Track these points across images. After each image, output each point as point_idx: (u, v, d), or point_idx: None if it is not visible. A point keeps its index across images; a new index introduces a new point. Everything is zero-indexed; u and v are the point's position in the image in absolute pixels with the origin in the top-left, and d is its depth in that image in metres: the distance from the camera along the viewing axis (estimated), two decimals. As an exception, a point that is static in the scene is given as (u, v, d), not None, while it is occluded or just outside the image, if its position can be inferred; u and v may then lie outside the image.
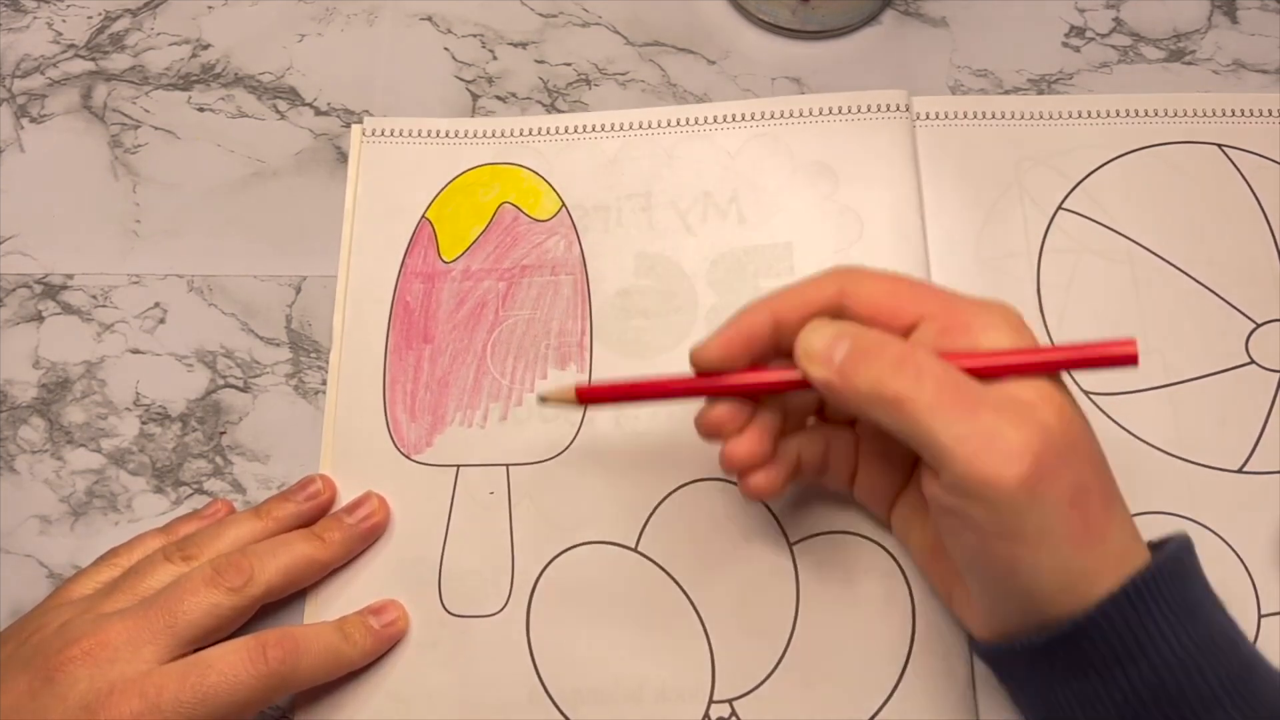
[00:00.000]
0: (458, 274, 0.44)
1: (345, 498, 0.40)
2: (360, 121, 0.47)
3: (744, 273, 0.43)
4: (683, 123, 0.46)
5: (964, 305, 0.32)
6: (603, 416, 0.41)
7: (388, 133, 0.46)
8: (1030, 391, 0.30)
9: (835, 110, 0.45)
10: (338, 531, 0.39)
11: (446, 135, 0.46)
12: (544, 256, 0.44)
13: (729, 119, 0.45)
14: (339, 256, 0.44)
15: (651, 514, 0.40)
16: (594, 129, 0.46)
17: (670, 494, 0.40)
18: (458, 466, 0.41)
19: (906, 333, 0.32)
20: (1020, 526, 0.29)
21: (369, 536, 0.40)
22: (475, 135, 0.46)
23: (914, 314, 0.32)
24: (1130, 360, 0.31)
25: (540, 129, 0.46)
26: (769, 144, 0.45)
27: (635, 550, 0.39)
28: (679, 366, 0.40)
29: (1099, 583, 0.29)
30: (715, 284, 0.43)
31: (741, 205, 0.44)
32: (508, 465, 0.41)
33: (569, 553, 0.40)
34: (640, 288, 0.43)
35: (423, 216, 0.45)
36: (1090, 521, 0.29)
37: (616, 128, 0.46)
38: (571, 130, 0.46)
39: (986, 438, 0.28)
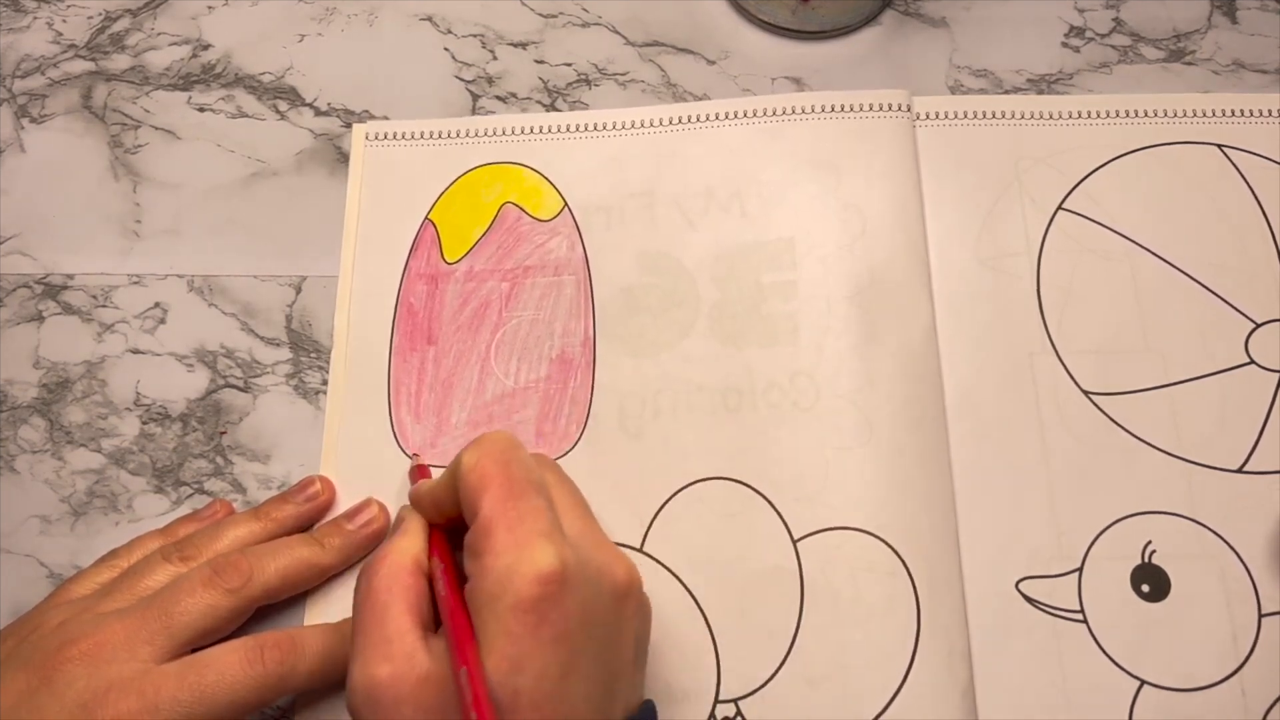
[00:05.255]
0: (461, 275, 0.44)
1: (349, 500, 0.40)
2: (362, 121, 0.47)
3: (746, 267, 0.43)
4: (685, 120, 0.46)
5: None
6: (606, 416, 0.41)
7: (389, 136, 0.46)
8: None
9: (836, 108, 0.45)
10: (337, 537, 0.39)
11: (447, 136, 0.46)
12: (547, 257, 0.44)
13: (731, 116, 0.45)
14: (340, 257, 0.44)
15: (656, 514, 0.40)
16: (596, 128, 0.46)
17: (675, 494, 0.40)
18: None
19: None
20: None
21: (369, 543, 0.39)
22: (476, 135, 0.46)
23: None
24: None
25: (541, 128, 0.46)
26: (770, 140, 0.45)
27: (640, 550, 0.39)
28: (680, 364, 0.42)
29: None
30: (718, 280, 0.43)
31: (744, 200, 0.44)
32: None
33: None
34: (643, 285, 0.43)
35: (426, 218, 0.45)
36: None
37: (618, 126, 0.46)
38: (573, 129, 0.46)
39: (356, 665, 0.31)
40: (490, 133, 0.46)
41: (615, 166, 0.45)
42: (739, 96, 0.47)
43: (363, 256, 0.44)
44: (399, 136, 0.46)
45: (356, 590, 0.33)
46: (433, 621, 0.32)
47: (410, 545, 0.34)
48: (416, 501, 0.36)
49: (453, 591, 0.31)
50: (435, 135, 0.46)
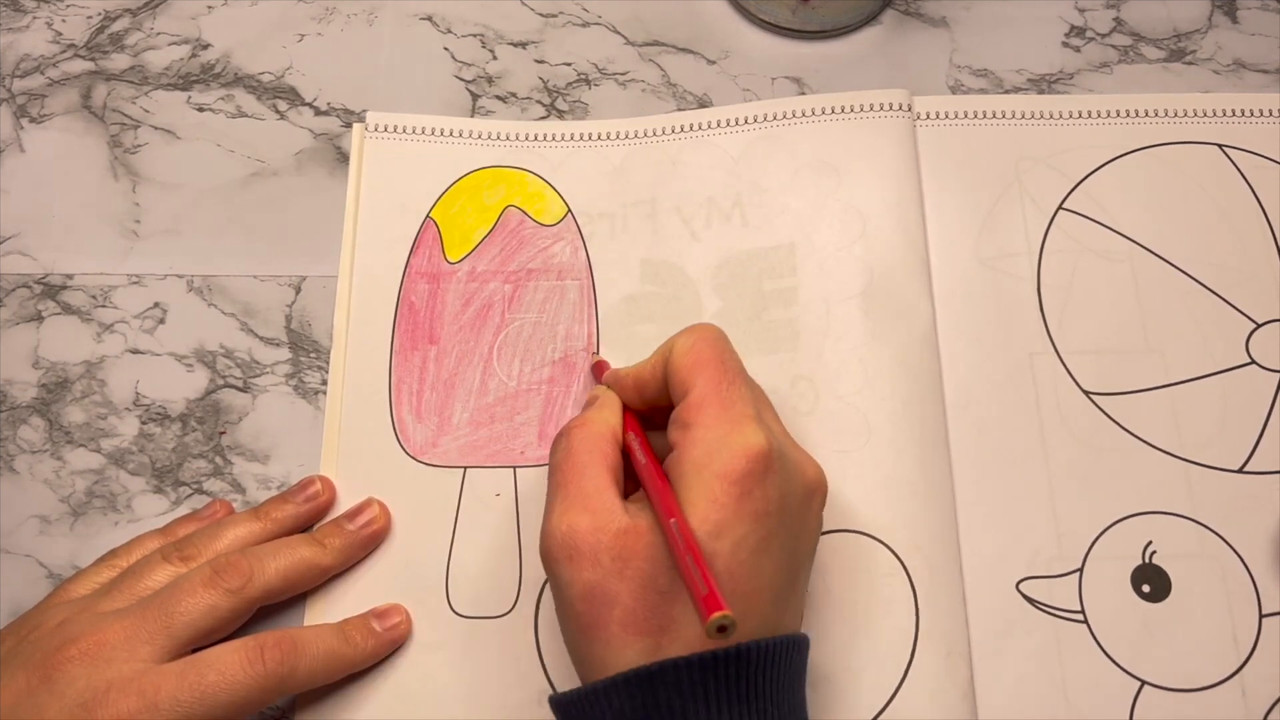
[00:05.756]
0: (463, 275, 0.44)
1: (349, 499, 0.40)
2: (361, 120, 0.47)
3: (748, 275, 0.43)
4: (687, 129, 0.46)
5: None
6: None
7: (392, 129, 0.46)
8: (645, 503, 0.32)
9: (837, 110, 0.45)
10: (338, 538, 0.39)
11: (451, 135, 0.46)
12: (550, 261, 0.44)
13: (732, 123, 0.45)
14: (340, 254, 0.44)
15: None
16: (599, 137, 0.46)
17: None
18: (464, 468, 0.41)
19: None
20: (553, 587, 0.33)
21: (369, 544, 0.39)
22: (480, 137, 0.46)
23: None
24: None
25: (546, 135, 0.46)
26: (771, 145, 0.45)
27: None
28: None
29: (603, 669, 0.31)
30: (720, 288, 0.43)
31: (745, 209, 0.44)
32: (515, 467, 0.41)
33: None
34: (645, 293, 0.43)
35: (427, 216, 0.45)
36: (597, 622, 0.31)
37: (621, 136, 0.46)
38: (577, 137, 0.46)
39: (555, 515, 0.32)
40: (494, 136, 0.46)
41: (618, 175, 0.45)
42: (738, 99, 0.47)
43: (363, 251, 0.44)
44: (401, 130, 0.46)
45: (554, 451, 0.34)
46: (624, 489, 0.34)
47: (608, 417, 0.35)
48: (617, 381, 0.37)
49: (652, 458, 0.33)
50: (438, 132, 0.46)
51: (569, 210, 0.45)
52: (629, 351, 0.42)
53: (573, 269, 0.44)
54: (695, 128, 0.46)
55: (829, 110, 0.45)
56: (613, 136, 0.46)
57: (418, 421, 0.42)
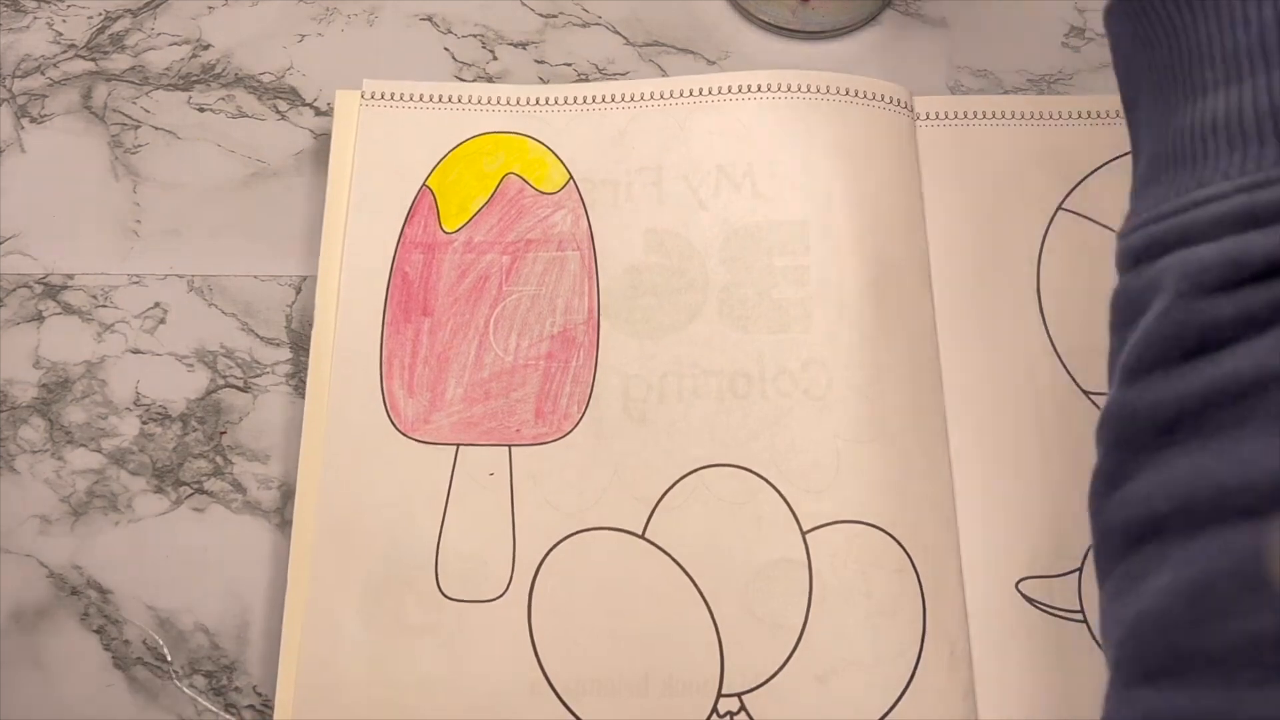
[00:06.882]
0: (459, 245, 0.43)
1: (336, 475, 0.40)
2: (347, 90, 0.46)
3: (758, 249, 0.42)
4: (696, 93, 0.45)
5: None
6: (610, 398, 0.41)
7: (388, 96, 0.45)
8: None
9: (848, 91, 0.44)
10: None
11: (450, 101, 0.45)
12: (550, 231, 0.43)
13: (743, 89, 0.44)
14: (325, 222, 0.43)
15: (660, 500, 0.39)
16: (604, 100, 0.45)
17: (679, 480, 0.40)
18: (457, 446, 0.40)
19: None
20: None
21: None
22: (480, 102, 0.45)
23: None
24: None
25: (549, 99, 0.45)
26: (784, 116, 0.44)
27: (642, 538, 0.39)
28: (688, 347, 0.41)
29: None
30: (728, 261, 0.42)
31: (756, 179, 0.43)
32: (510, 446, 0.40)
33: (573, 538, 0.39)
34: (649, 264, 0.42)
35: (423, 184, 0.44)
36: None
37: (627, 98, 0.45)
38: (581, 101, 0.45)
39: None
40: (494, 100, 0.45)
41: (623, 140, 0.44)
42: (749, 69, 0.46)
43: (355, 220, 0.43)
44: (398, 98, 0.45)
45: None
46: None
47: None
48: None
49: None
50: (436, 99, 0.45)
51: (571, 177, 0.44)
52: (632, 325, 0.42)
53: (573, 239, 0.43)
54: (705, 92, 0.45)
55: (842, 90, 0.44)
56: (618, 99, 0.45)
57: (409, 396, 0.41)
